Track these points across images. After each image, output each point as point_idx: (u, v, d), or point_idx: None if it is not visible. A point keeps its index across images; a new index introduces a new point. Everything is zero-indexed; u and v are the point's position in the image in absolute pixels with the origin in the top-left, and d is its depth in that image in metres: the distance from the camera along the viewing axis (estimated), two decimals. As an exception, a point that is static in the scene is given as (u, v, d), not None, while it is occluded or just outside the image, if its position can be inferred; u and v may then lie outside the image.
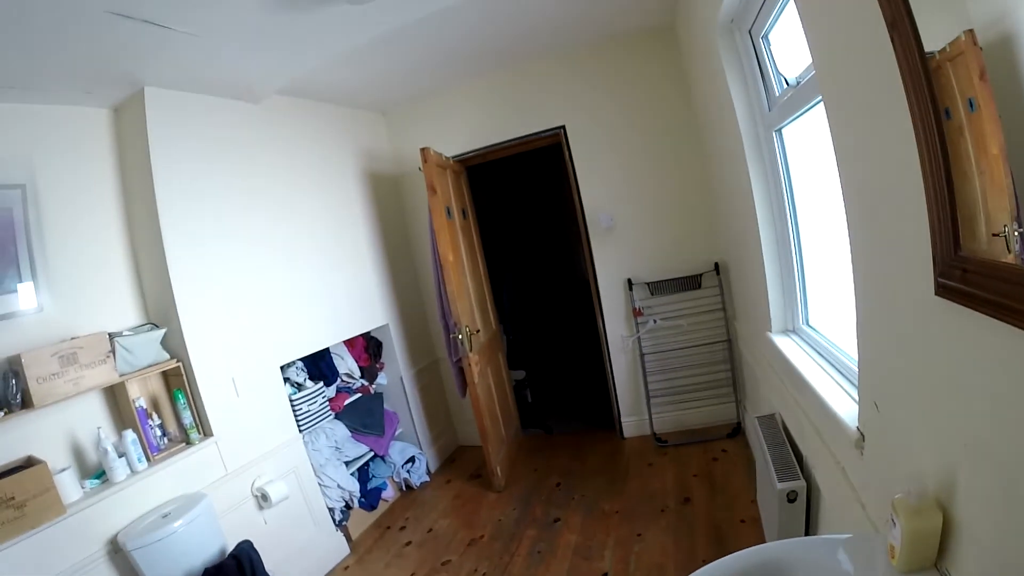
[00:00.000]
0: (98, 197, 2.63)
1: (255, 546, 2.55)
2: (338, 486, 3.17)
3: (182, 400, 2.63)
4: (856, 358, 1.59)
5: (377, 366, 3.80)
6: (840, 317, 2.06)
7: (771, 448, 2.42)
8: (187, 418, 2.64)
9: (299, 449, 3.06)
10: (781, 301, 2.58)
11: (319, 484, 3.12)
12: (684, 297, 3.73)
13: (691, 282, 3.72)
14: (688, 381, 3.80)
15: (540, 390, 5.07)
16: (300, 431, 3.08)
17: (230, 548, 2.49)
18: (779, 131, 2.35)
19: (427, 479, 3.82)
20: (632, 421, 3.96)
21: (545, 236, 5.87)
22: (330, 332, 3.40)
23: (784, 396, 2.42)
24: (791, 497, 2.18)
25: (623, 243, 3.80)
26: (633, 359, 3.87)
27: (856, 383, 1.64)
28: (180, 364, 2.63)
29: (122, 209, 2.71)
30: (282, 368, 3.12)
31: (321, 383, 3.29)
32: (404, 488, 3.75)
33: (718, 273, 3.64)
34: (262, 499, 2.81)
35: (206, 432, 2.69)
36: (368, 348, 3.76)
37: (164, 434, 2.63)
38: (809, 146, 2.17)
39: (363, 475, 3.46)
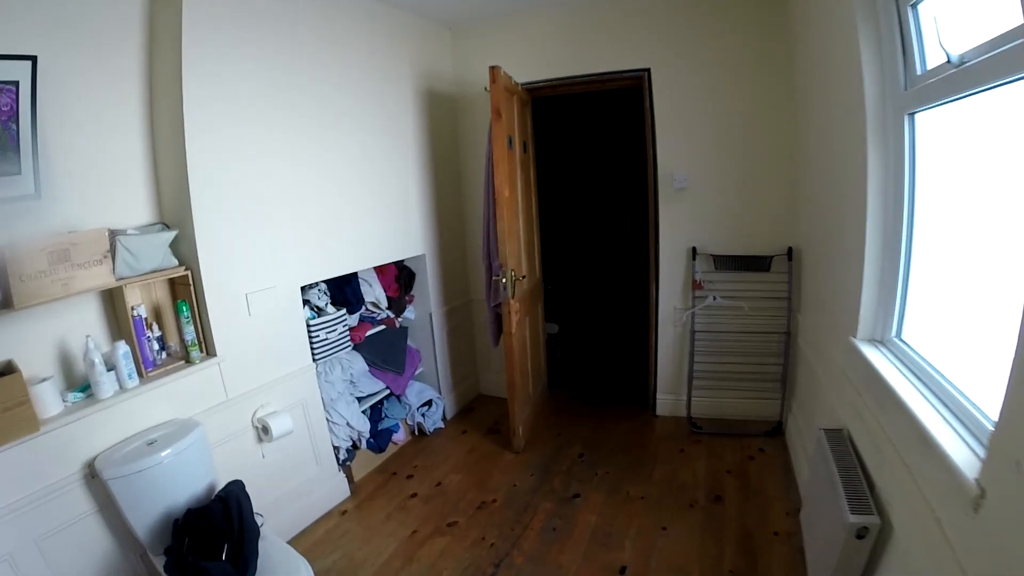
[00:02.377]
0: (119, 73, 2.05)
1: (247, 487, 2.14)
2: (348, 424, 2.76)
3: (186, 313, 2.15)
4: (966, 392, 1.36)
5: (407, 299, 3.30)
6: (949, 340, 1.67)
7: (840, 469, 1.99)
8: (189, 334, 2.17)
9: (310, 380, 2.62)
10: (875, 307, 2.06)
11: (327, 420, 2.70)
12: (750, 278, 3.13)
13: (760, 263, 3.11)
14: (736, 368, 3.26)
15: (572, 348, 4.54)
16: (314, 360, 2.63)
17: (220, 485, 2.08)
18: (912, 115, 1.78)
19: (442, 425, 3.41)
20: (668, 400, 3.47)
21: (604, 186, 5.12)
22: (361, 255, 2.88)
23: (860, 413, 1.95)
24: (861, 534, 1.78)
25: (694, 208, 3.18)
26: (682, 334, 3.32)
27: (967, 424, 1.36)
28: (189, 272, 2.14)
29: (145, 89, 2.12)
30: (303, 289, 2.64)
31: (343, 310, 2.81)
32: (416, 432, 3.35)
33: (790, 259, 3.03)
34: (263, 431, 2.39)
35: (209, 351, 2.24)
36: (399, 278, 3.26)
37: (163, 348, 2.18)
38: (950, 139, 1.64)
39: (375, 414, 3.05)
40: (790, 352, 3.12)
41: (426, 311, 3.37)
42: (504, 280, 2.80)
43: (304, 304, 2.65)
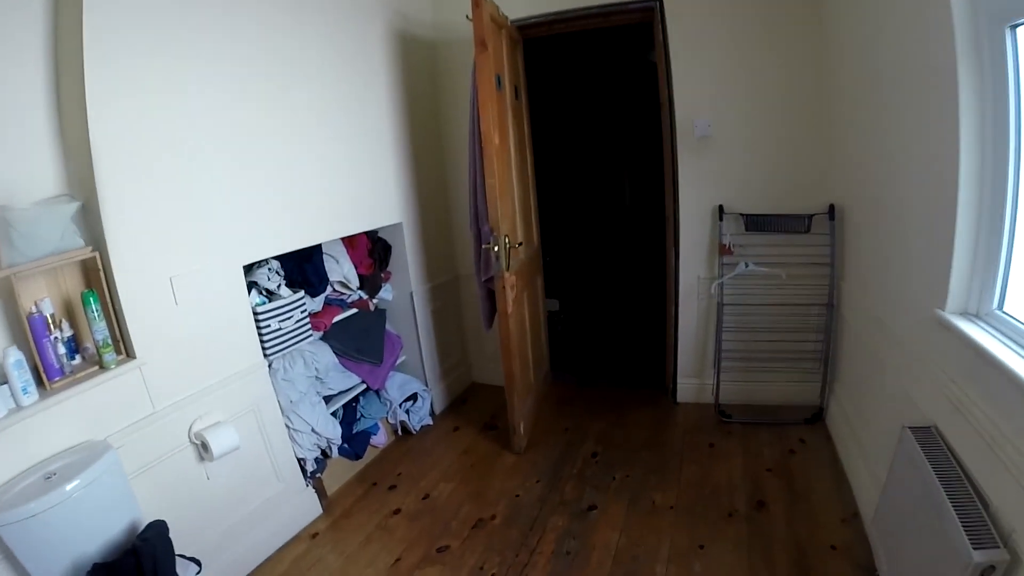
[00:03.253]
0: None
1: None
2: (312, 430, 2.29)
3: (95, 306, 1.64)
4: None
5: (382, 276, 2.80)
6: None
7: (944, 483, 1.54)
8: (101, 331, 1.66)
9: (262, 380, 2.14)
10: (968, 272, 1.59)
11: (287, 427, 2.24)
12: (786, 241, 2.66)
13: (798, 223, 2.64)
14: (769, 347, 2.81)
15: (576, 327, 4.05)
16: (266, 356, 2.15)
17: (145, 523, 1.62)
18: (1014, 28, 1.31)
19: (430, 423, 2.94)
20: (691, 384, 3.02)
21: (611, 142, 4.48)
22: (323, 226, 2.37)
23: (959, 406, 1.51)
24: (986, 574, 1.36)
25: (719, 160, 2.69)
26: (707, 308, 2.86)
27: None
28: (97, 254, 1.66)
29: (50, 29, 1.58)
30: (248, 269, 2.14)
31: (302, 292, 2.31)
32: (399, 432, 2.88)
33: (832, 218, 2.57)
34: (203, 448, 1.97)
35: (129, 353, 1.75)
36: (373, 251, 2.74)
37: (77, 352, 1.70)
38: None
39: (349, 414, 2.59)
40: (833, 326, 2.69)
41: (405, 290, 2.86)
42: (496, 249, 2.31)
43: (251, 288, 2.15)
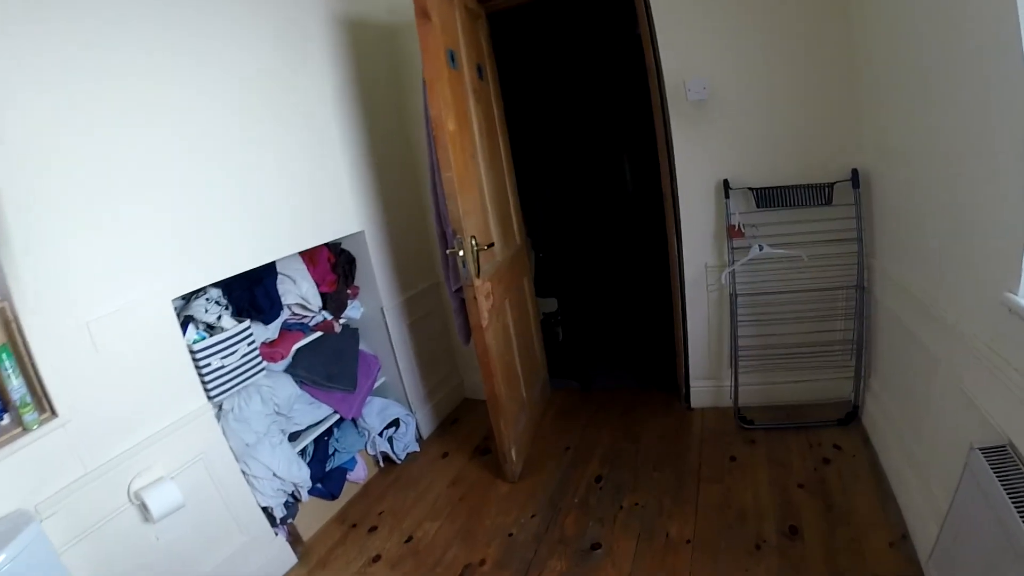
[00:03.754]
0: None
1: None
2: (275, 475, 2.05)
3: (7, 361, 1.45)
4: None
5: (348, 292, 2.52)
6: None
7: None
8: (16, 390, 1.44)
9: (209, 425, 1.88)
10: None
11: (245, 474, 1.99)
12: (805, 216, 2.31)
13: (818, 194, 2.27)
14: (793, 339, 2.46)
15: (576, 327, 3.69)
16: (211, 398, 1.89)
17: None
18: None
19: (416, 449, 2.65)
20: (706, 387, 2.67)
21: (599, 122, 4.04)
22: (267, 244, 2.09)
23: None
24: None
25: (720, 126, 2.32)
26: (719, 300, 2.51)
27: None
28: (6, 304, 1.46)
29: None
30: (187, 300, 1.93)
31: (247, 322, 2.01)
32: (381, 463, 2.59)
33: (856, 186, 2.20)
34: (145, 508, 1.79)
35: (52, 410, 1.53)
36: (337, 266, 2.46)
37: (5, 411, 1.51)
38: None
39: (321, 450, 2.32)
40: (866, 312, 2.33)
41: (375, 305, 2.56)
42: (462, 253, 2.00)
43: (187, 323, 1.91)
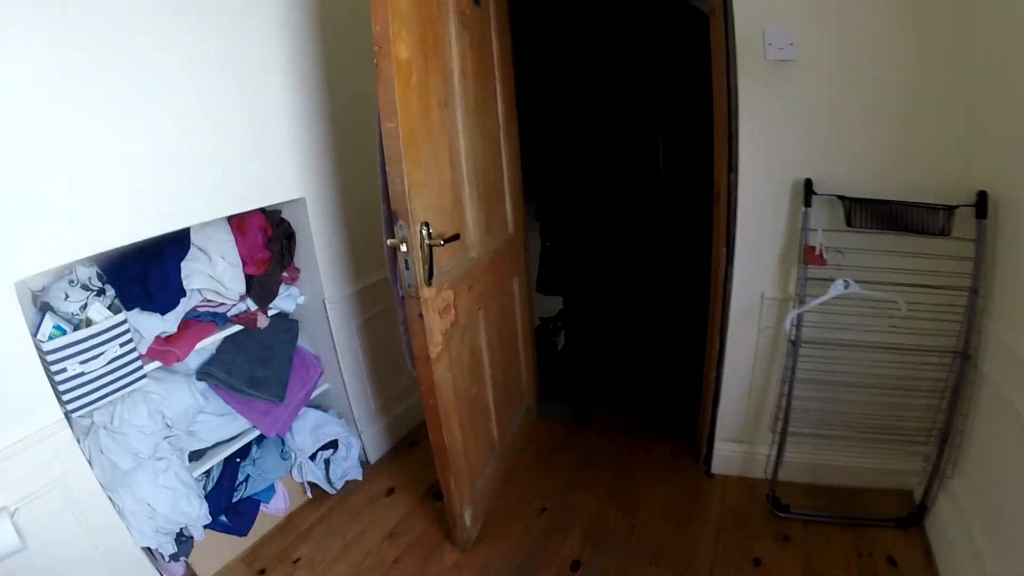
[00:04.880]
0: None
1: None
2: (155, 511, 1.55)
3: None
4: None
5: (285, 275, 1.93)
6: None
7: None
8: None
9: (65, 445, 1.38)
10: None
11: (115, 508, 1.50)
12: (908, 246, 1.64)
13: (930, 219, 1.59)
14: (859, 408, 1.82)
15: (580, 338, 2.95)
16: (70, 412, 1.40)
17: None
18: None
19: (358, 477, 2.11)
20: (734, 451, 2.04)
21: (641, 91, 3.25)
22: (174, 205, 1.53)
23: None
24: None
25: (808, 102, 1.63)
26: (772, 345, 1.85)
27: None
28: None
29: None
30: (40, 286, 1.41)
31: (122, 314, 1.48)
32: (310, 493, 2.06)
33: (982, 215, 1.52)
34: None
35: None
36: (271, 240, 1.86)
37: None
38: None
39: (229, 474, 1.83)
40: (964, 387, 1.65)
41: (317, 295, 1.98)
42: (405, 248, 1.38)
43: (44, 312, 1.42)
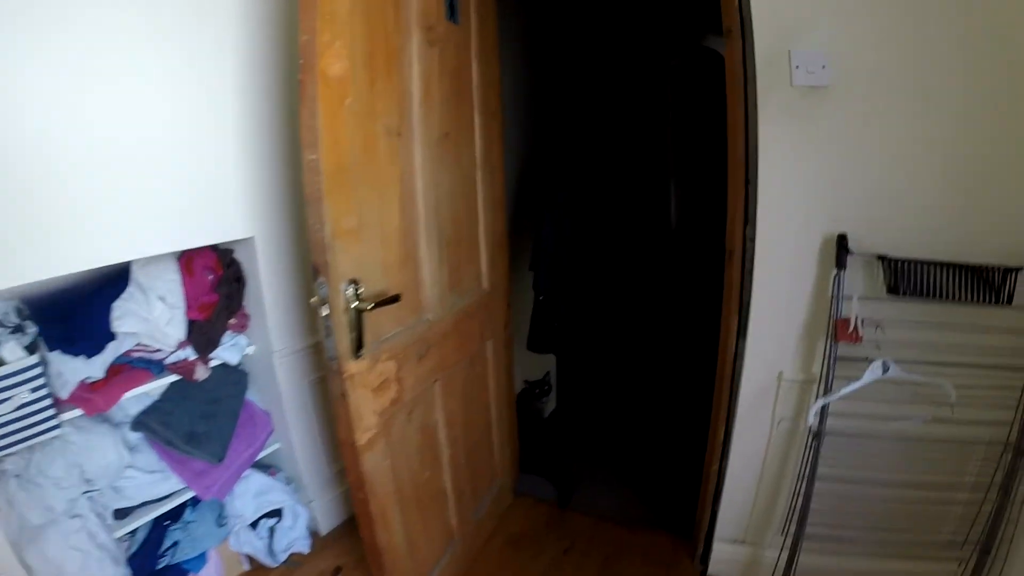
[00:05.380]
0: None
1: None
2: (64, 574, 1.45)
3: None
4: None
5: (232, 323, 1.68)
6: None
7: None
8: None
9: None
10: None
11: (23, 568, 1.30)
12: (956, 317, 1.31)
13: (985, 285, 1.26)
14: (886, 508, 1.47)
15: (572, 404, 2.65)
16: None
17: None
18: None
19: (305, 550, 1.83)
20: (737, 553, 1.67)
21: (655, 133, 2.77)
22: (101, 238, 1.33)
23: None
24: None
25: (844, 140, 1.32)
26: (788, 437, 1.50)
27: None
28: None
29: None
30: None
31: (36, 355, 1.29)
32: (246, 565, 1.80)
33: None
34: None
35: None
36: (220, 283, 1.64)
37: None
38: None
39: (154, 539, 1.60)
40: (1015, 487, 1.30)
41: (266, 348, 1.73)
42: (326, 311, 1.11)
43: None
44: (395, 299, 1.22)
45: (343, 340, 1.14)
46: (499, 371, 1.91)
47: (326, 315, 1.13)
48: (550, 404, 2.64)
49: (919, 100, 1.29)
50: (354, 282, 1.14)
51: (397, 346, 1.31)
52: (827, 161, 1.38)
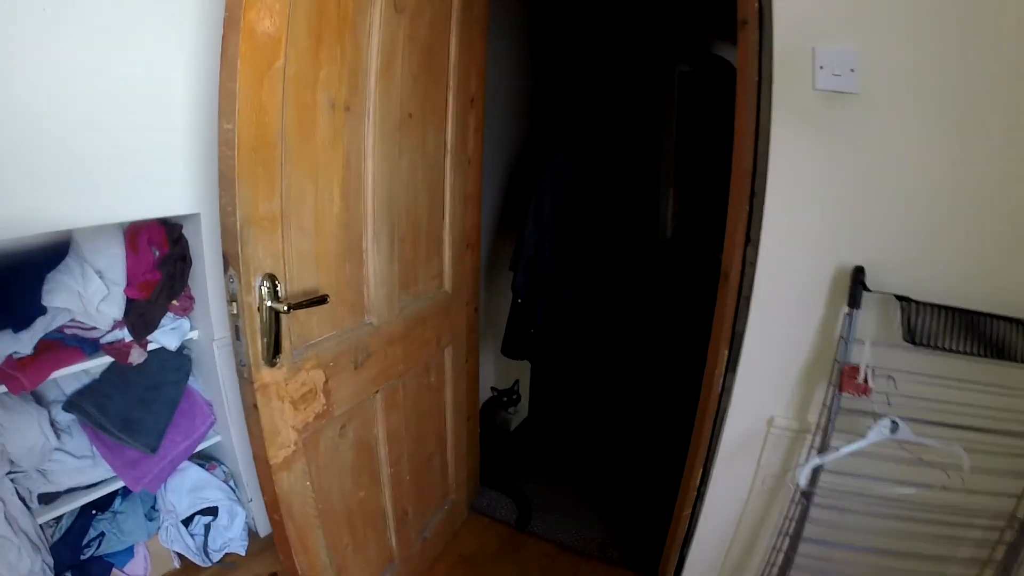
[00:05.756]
0: None
1: None
2: None
3: None
4: None
5: (175, 305, 1.53)
6: None
7: None
8: None
9: None
10: None
11: None
12: (975, 374, 1.09)
13: (1014, 337, 1.05)
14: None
15: (544, 416, 2.53)
16: None
17: None
18: None
19: (241, 551, 1.70)
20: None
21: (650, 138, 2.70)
22: (30, 203, 1.17)
23: None
24: None
25: (872, 151, 1.10)
26: (771, 494, 1.29)
27: None
28: None
29: None
30: None
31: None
32: (176, 564, 1.66)
33: None
34: None
35: None
36: (164, 260, 1.50)
37: None
38: None
39: (78, 528, 1.50)
40: (1016, 565, 1.12)
41: (208, 334, 1.58)
42: (235, 309, 0.95)
43: None
44: (322, 300, 1.05)
45: (255, 344, 0.97)
46: (459, 381, 1.73)
47: (235, 312, 0.96)
48: (519, 415, 2.46)
49: (968, 119, 1.06)
50: (271, 277, 0.97)
51: (327, 353, 1.14)
52: (849, 180, 1.16)
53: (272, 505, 1.09)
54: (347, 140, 1.13)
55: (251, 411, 1.01)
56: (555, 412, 2.61)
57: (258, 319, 0.97)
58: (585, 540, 1.85)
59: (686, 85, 3.66)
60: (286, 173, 1.00)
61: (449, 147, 1.48)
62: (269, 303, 0.97)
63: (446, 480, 1.78)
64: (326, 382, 1.14)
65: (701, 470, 1.39)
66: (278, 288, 0.98)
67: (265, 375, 1.00)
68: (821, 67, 1.15)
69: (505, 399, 2.32)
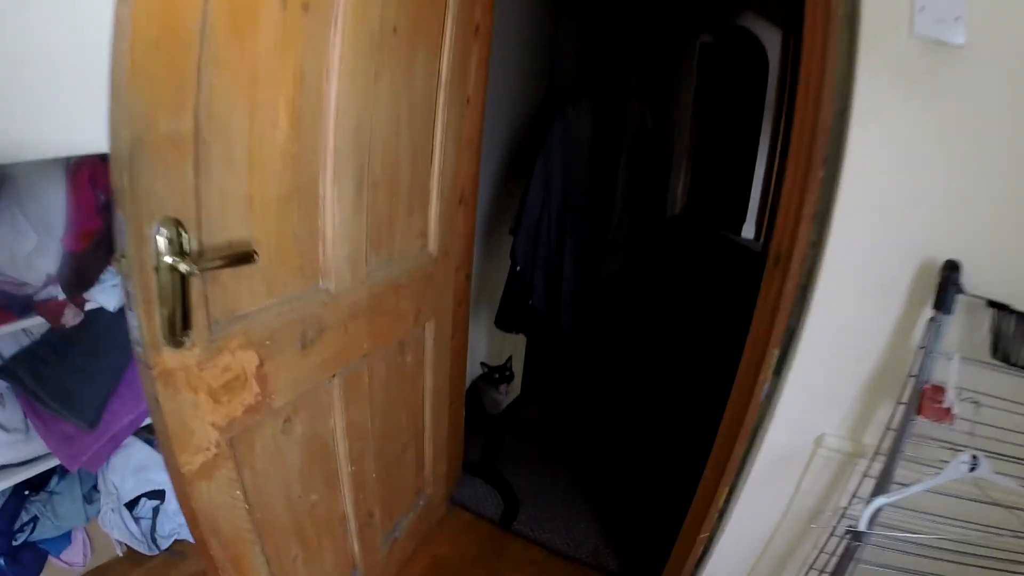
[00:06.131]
0: None
1: None
2: None
3: None
4: None
5: (113, 257, 1.25)
6: None
7: None
8: None
9: None
10: None
11: None
12: None
13: None
14: None
15: (539, 396, 2.33)
16: None
17: None
18: None
19: (192, 539, 1.42)
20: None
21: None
22: None
23: None
24: None
25: (982, 117, 0.84)
26: (809, 517, 1.07)
27: None
28: None
29: None
30: None
31: None
32: (120, 552, 1.48)
33: None
34: None
35: None
36: (107, 206, 1.29)
37: None
38: None
39: (9, 510, 1.31)
40: None
41: None
42: (120, 258, 0.70)
43: None
44: (247, 258, 0.80)
45: (150, 317, 0.72)
46: (442, 361, 1.50)
47: (122, 261, 0.70)
48: (511, 393, 2.23)
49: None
50: (176, 224, 0.71)
51: (261, 328, 0.89)
52: (950, 154, 0.90)
53: (191, 522, 0.86)
54: (302, 47, 0.85)
55: (153, 405, 0.77)
56: (550, 393, 2.39)
57: (154, 281, 0.71)
58: (576, 543, 1.65)
59: (707, 56, 3.49)
60: (207, 81, 0.72)
61: (444, 79, 1.20)
62: (169, 260, 0.71)
63: (422, 474, 1.56)
64: (260, 366, 0.89)
65: (727, 489, 1.15)
66: (184, 240, 0.72)
67: (168, 358, 0.75)
68: (922, 8, 0.88)
69: (496, 376, 2.10)
